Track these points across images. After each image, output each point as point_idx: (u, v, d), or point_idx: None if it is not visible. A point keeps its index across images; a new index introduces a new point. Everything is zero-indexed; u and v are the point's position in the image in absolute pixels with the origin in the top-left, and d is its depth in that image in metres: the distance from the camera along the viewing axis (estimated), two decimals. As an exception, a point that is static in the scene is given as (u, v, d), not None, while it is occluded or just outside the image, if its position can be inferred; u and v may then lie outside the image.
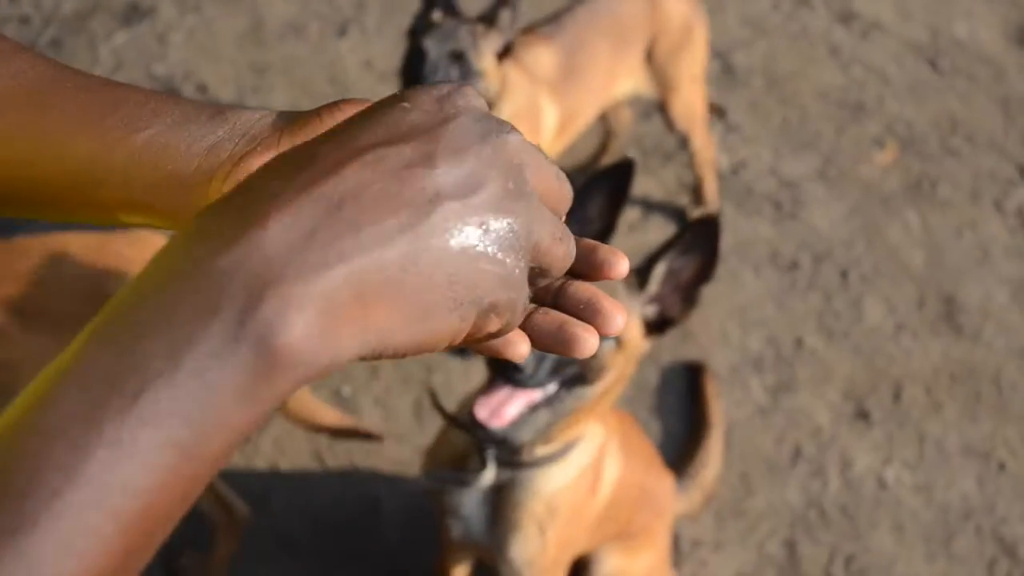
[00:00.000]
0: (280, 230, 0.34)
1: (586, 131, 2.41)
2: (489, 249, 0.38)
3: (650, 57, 2.05)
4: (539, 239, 0.40)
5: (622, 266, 0.45)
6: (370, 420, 1.99)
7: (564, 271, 0.42)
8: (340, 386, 2.03)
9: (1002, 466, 2.00)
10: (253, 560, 1.82)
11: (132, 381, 0.32)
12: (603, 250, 0.45)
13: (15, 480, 0.31)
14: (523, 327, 0.45)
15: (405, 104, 0.39)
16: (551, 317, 0.44)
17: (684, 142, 2.21)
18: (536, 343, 0.43)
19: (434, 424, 1.97)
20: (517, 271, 0.39)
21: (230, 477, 1.91)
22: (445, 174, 0.37)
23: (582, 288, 0.45)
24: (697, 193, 2.32)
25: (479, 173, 0.38)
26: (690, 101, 2.12)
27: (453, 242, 0.37)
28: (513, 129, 0.40)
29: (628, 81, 2.06)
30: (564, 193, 0.42)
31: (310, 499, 1.89)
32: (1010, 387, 2.11)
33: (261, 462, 1.93)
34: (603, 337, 0.45)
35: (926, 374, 2.12)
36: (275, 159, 0.38)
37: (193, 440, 0.33)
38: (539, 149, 0.41)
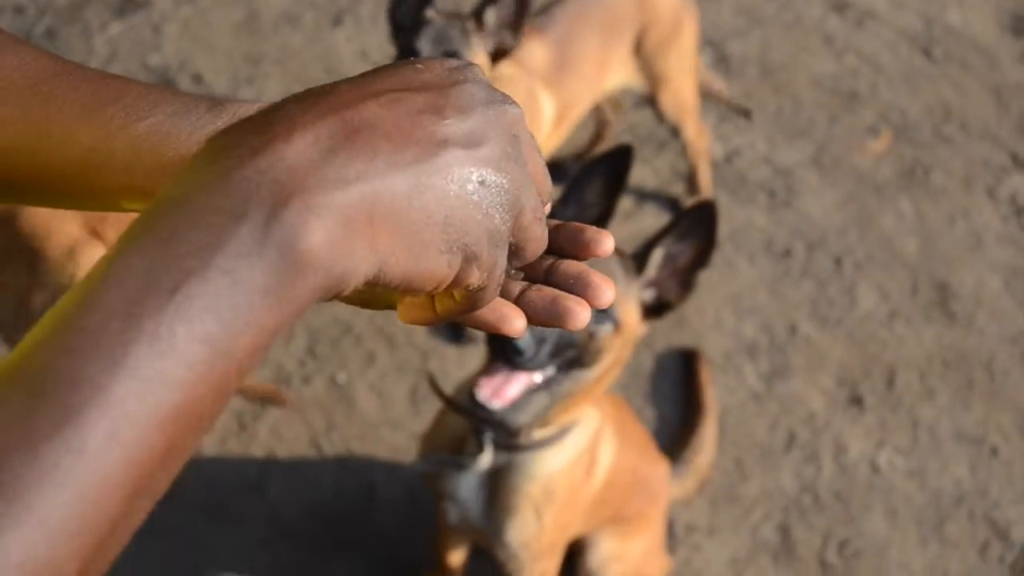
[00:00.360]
0: (303, 145, 0.37)
1: (580, 120, 2.42)
2: (483, 202, 0.40)
3: (639, 50, 2.05)
4: (523, 209, 0.42)
5: (608, 244, 0.47)
6: (366, 407, 2.00)
7: (536, 255, 0.44)
8: (336, 373, 2.03)
9: (994, 451, 2.02)
10: (251, 546, 1.83)
11: (167, 279, 0.34)
12: (589, 230, 0.48)
13: (60, 375, 0.32)
14: (517, 303, 0.47)
15: (419, 66, 0.42)
16: (544, 292, 0.46)
17: (677, 132, 2.22)
18: (531, 318, 0.45)
19: (430, 411, 1.98)
20: (503, 229, 0.41)
21: (227, 464, 1.92)
22: (453, 125, 0.40)
23: (572, 265, 0.47)
24: (691, 182, 2.33)
25: (483, 131, 0.40)
26: (680, 94, 2.12)
27: (454, 187, 0.39)
28: (515, 103, 0.42)
29: (619, 73, 2.07)
30: (548, 181, 0.45)
31: (307, 486, 1.90)
32: (1002, 373, 2.13)
33: (258, 450, 1.93)
34: (595, 311, 0.47)
35: (919, 360, 2.14)
36: (291, 96, 0.40)
37: (225, 336, 0.35)
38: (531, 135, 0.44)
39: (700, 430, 1.93)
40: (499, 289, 0.43)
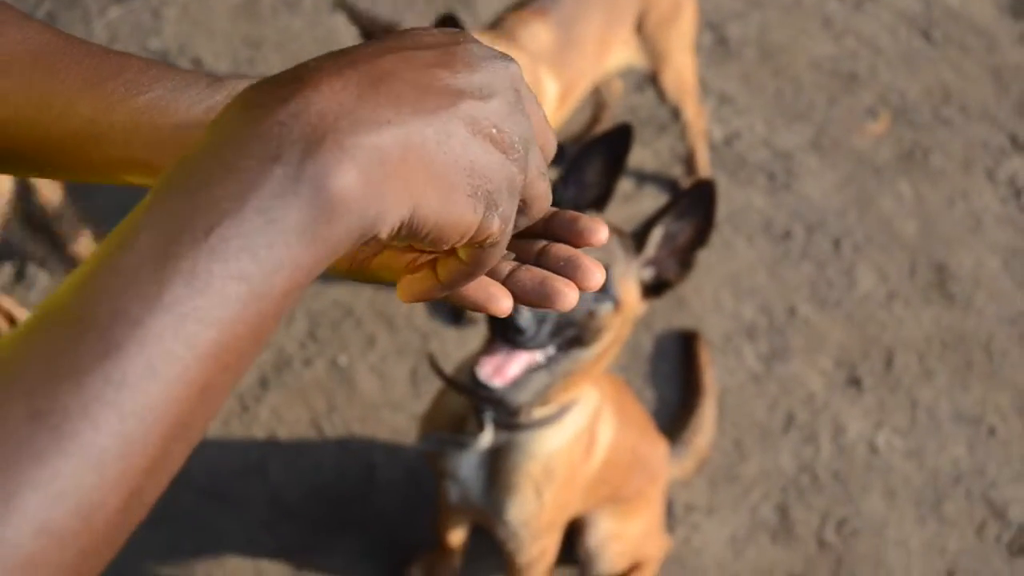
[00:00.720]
0: (331, 92, 0.38)
1: (581, 101, 2.42)
2: (499, 151, 0.41)
3: (640, 28, 2.05)
4: (531, 163, 0.43)
5: (602, 233, 0.48)
6: (367, 389, 2.00)
7: (542, 212, 0.45)
8: (337, 355, 2.04)
9: (992, 431, 2.03)
10: (253, 528, 1.84)
11: (203, 220, 0.35)
12: (583, 219, 0.48)
13: (99, 313, 0.33)
14: (506, 283, 0.47)
15: (420, 31, 0.43)
16: (533, 272, 0.47)
17: (677, 113, 2.22)
18: (520, 298, 0.46)
19: (430, 392, 1.99)
20: (518, 179, 0.42)
21: (229, 446, 1.93)
22: (464, 77, 0.41)
23: (563, 248, 0.48)
24: (690, 164, 2.33)
25: (491, 83, 0.41)
26: (681, 72, 2.13)
27: (475, 135, 0.40)
28: (514, 60, 0.44)
29: (621, 53, 2.07)
30: (551, 136, 0.46)
31: (308, 467, 1.91)
32: (1001, 354, 2.13)
33: (259, 431, 1.94)
34: (583, 291, 0.48)
35: (918, 341, 2.14)
36: (308, 60, 0.41)
37: (260, 275, 0.35)
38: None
39: (699, 411, 1.94)
40: (505, 247, 0.44)
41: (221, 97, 0.51)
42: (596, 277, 0.46)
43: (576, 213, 0.49)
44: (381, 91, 0.38)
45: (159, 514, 1.84)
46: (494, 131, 0.41)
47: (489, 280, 0.47)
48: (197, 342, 0.34)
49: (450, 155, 0.39)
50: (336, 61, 0.39)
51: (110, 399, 0.32)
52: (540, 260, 0.48)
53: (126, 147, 0.51)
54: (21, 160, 0.54)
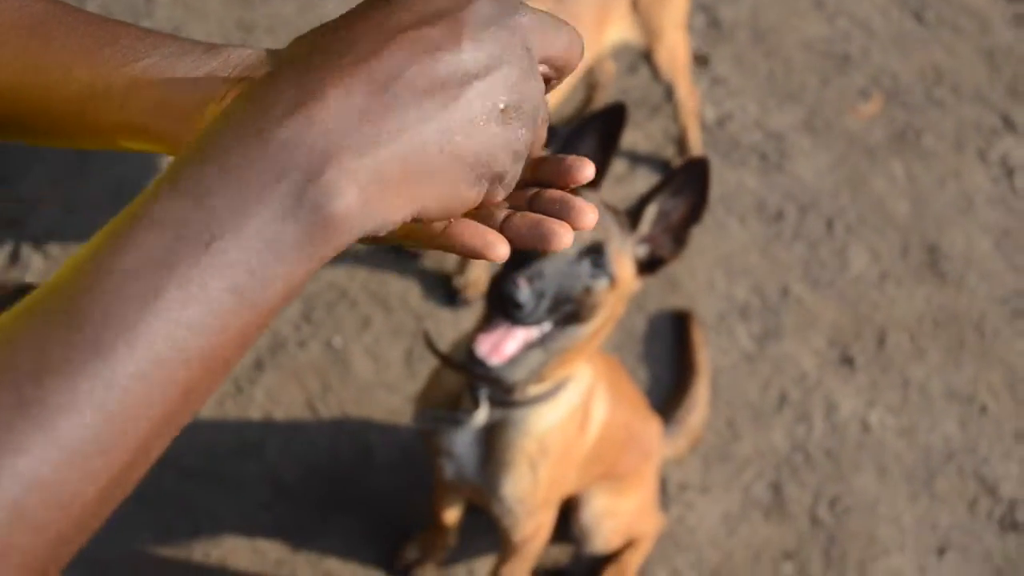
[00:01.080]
0: (336, 106, 0.38)
1: (574, 83, 2.42)
2: (506, 126, 0.42)
3: (635, 4, 2.06)
4: (539, 120, 0.44)
5: (587, 170, 0.49)
6: (362, 370, 2.01)
7: (540, 146, 0.47)
8: (331, 337, 2.05)
9: (984, 409, 2.04)
10: (250, 508, 1.84)
11: (204, 231, 0.36)
12: (569, 158, 0.49)
13: (93, 312, 0.34)
14: (501, 230, 0.48)
15: None
16: (528, 217, 0.47)
17: (669, 94, 2.22)
18: (515, 242, 0.47)
19: (425, 373, 1.99)
20: (526, 145, 0.43)
21: (225, 427, 1.93)
22: (471, 57, 0.41)
23: (554, 192, 0.49)
24: (682, 145, 2.34)
25: (498, 55, 0.42)
26: (674, 49, 2.13)
27: (480, 120, 0.41)
28: (524, 8, 0.44)
29: (617, 29, 2.07)
30: (572, 54, 0.46)
31: (304, 447, 1.92)
32: (992, 332, 2.15)
33: (255, 412, 1.95)
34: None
35: (910, 320, 2.15)
36: (309, 38, 0.42)
37: (254, 288, 0.36)
38: (547, 16, 0.45)
39: (693, 390, 1.95)
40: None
41: (217, 63, 0.51)
42: (589, 216, 0.47)
43: (562, 155, 0.50)
44: (386, 101, 0.39)
45: (155, 495, 1.84)
46: (502, 105, 0.42)
47: (485, 228, 0.47)
48: (186, 347, 0.35)
49: (454, 153, 0.40)
50: (342, 59, 0.39)
51: (97, 398, 0.33)
52: (533, 205, 0.49)
53: (124, 112, 0.51)
54: (20, 127, 0.54)
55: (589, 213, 0.47)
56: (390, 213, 0.39)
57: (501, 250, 0.47)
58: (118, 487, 0.35)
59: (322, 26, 0.42)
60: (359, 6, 0.43)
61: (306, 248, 0.37)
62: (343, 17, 0.42)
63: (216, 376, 0.37)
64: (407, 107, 0.39)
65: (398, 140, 0.39)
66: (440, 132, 0.40)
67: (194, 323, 0.35)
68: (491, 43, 0.42)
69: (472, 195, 0.42)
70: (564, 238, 0.46)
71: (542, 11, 0.45)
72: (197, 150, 0.38)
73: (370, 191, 0.38)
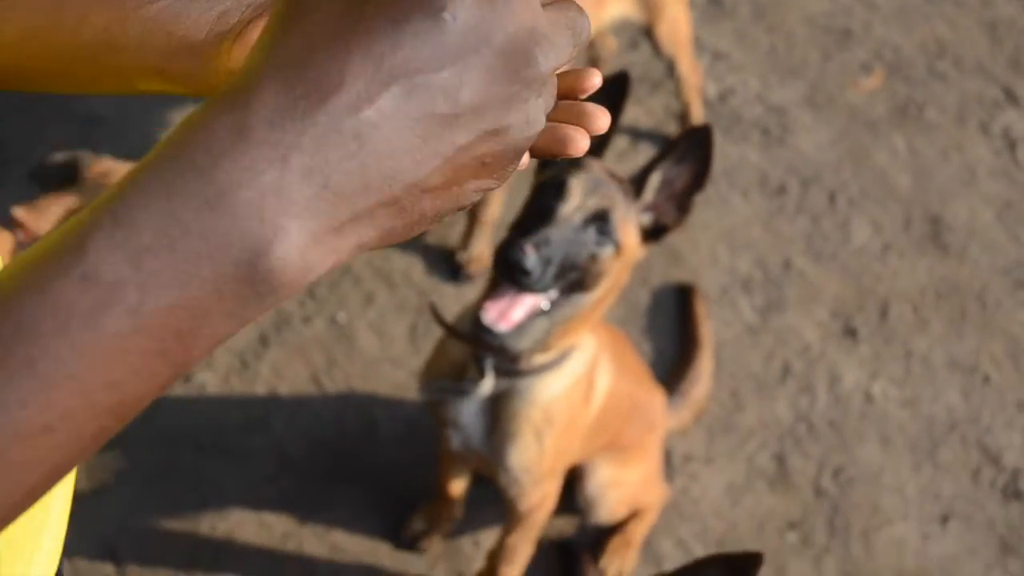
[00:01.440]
0: (288, 176, 0.35)
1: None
2: (491, 171, 0.39)
3: (636, -21, 2.05)
4: (537, 123, 0.40)
5: (596, 78, 0.48)
6: (366, 345, 2.02)
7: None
8: (336, 312, 2.05)
9: (987, 379, 2.05)
10: (256, 479, 1.85)
11: (137, 297, 0.34)
12: (588, 105, 0.48)
13: (10, 361, 0.33)
14: None
15: (445, 15, 0.36)
16: (545, 126, 0.47)
17: (671, 70, 2.22)
18: (534, 152, 0.46)
19: (429, 348, 2.00)
20: (526, 142, 0.40)
21: (231, 402, 1.94)
22: (452, 94, 0.36)
23: (565, 102, 0.48)
24: (684, 120, 2.34)
25: (497, 116, 0.38)
26: (675, 24, 2.13)
27: (452, 169, 0.38)
28: (510, 11, 0.37)
29: (617, 5, 2.07)
30: (579, 39, 0.41)
31: (309, 422, 1.93)
32: (995, 303, 2.15)
33: (261, 387, 1.96)
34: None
35: (912, 292, 2.16)
36: (274, 56, 0.36)
37: (180, 352, 0.35)
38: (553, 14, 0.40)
39: (696, 363, 1.96)
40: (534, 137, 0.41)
41: (231, 2, 0.52)
42: (602, 119, 0.46)
43: (579, 102, 0.48)
44: (347, 168, 0.35)
45: (162, 470, 1.85)
46: (487, 159, 0.38)
47: None
48: (101, 402, 0.34)
49: (431, 206, 0.38)
50: (308, 111, 0.34)
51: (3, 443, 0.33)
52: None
53: (139, 55, 0.52)
54: (38, 75, 0.55)
55: (603, 117, 0.46)
56: (332, 262, 0.36)
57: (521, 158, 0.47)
58: (3, 522, 0.35)
59: (301, 28, 0.36)
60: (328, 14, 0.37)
61: (240, 314, 0.36)
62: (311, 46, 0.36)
63: (127, 419, 0.36)
64: (369, 181, 0.36)
65: (359, 200, 0.35)
66: (412, 184, 0.36)
67: (114, 382, 0.34)
68: (496, 107, 0.37)
69: (465, 202, 0.40)
70: (580, 143, 0.45)
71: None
72: (142, 185, 0.35)
73: (317, 252, 0.35)
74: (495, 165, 0.39)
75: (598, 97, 1.40)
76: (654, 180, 1.35)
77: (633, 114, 2.40)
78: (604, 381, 1.53)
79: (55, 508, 0.57)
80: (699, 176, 1.34)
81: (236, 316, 0.36)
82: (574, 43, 0.41)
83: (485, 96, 0.37)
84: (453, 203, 0.39)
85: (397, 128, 0.35)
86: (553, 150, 0.46)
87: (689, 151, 1.34)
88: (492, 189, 0.40)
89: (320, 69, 0.35)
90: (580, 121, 0.46)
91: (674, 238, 2.18)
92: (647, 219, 1.36)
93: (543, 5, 0.40)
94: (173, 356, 0.35)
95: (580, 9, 0.42)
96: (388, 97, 0.35)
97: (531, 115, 0.39)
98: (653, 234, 1.37)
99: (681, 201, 1.36)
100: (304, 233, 0.35)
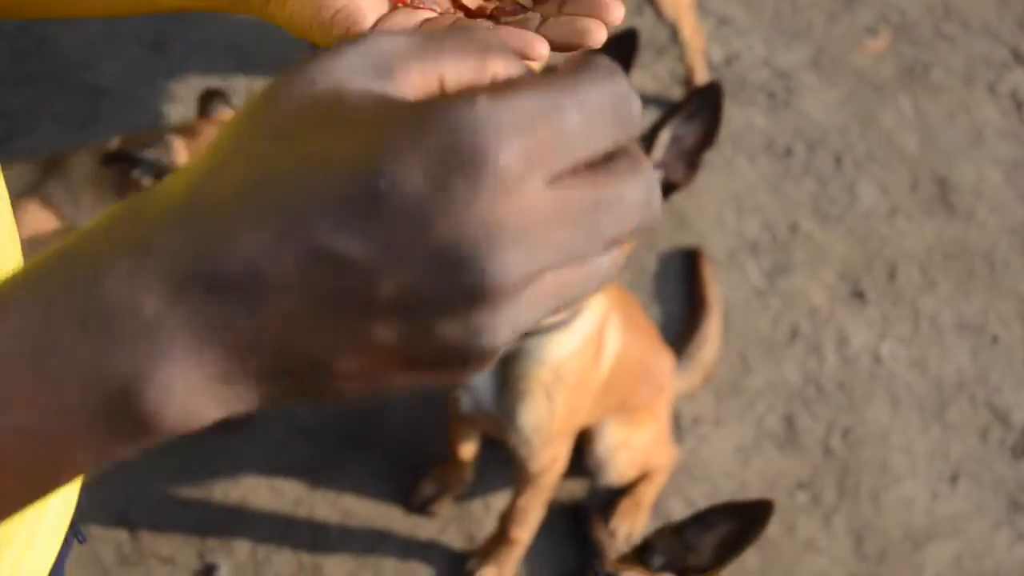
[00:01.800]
0: (184, 358, 0.32)
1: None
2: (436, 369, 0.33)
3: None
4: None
5: (618, 11, 0.48)
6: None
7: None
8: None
9: (995, 339, 2.05)
10: (268, 446, 1.86)
11: (10, 423, 0.32)
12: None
13: None
14: (539, 32, 0.48)
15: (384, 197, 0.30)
16: (560, 20, 0.48)
17: (675, 34, 2.21)
18: (553, 45, 0.46)
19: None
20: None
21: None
22: (388, 323, 0.31)
23: None
24: (689, 85, 2.33)
25: (428, 323, 0.31)
26: (678, -12, 2.12)
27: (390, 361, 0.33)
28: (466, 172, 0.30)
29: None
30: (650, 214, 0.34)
31: (319, 388, 1.93)
32: (1003, 263, 2.15)
33: (269, 354, 1.96)
34: (608, 26, 0.47)
35: (920, 253, 2.16)
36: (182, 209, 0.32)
37: (47, 479, 0.34)
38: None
39: (704, 326, 1.96)
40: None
41: None
42: (616, 11, 0.47)
43: None
44: (238, 326, 0.31)
45: (173, 438, 1.86)
46: (421, 360, 0.31)
47: (523, 30, 0.47)
48: None
49: (342, 393, 0.33)
50: (223, 282, 0.31)
51: None
52: (561, 11, 0.48)
53: None
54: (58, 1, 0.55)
55: (618, 8, 0.46)
56: (221, 413, 0.34)
57: (541, 49, 0.47)
58: None
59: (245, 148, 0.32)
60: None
61: (110, 453, 0.34)
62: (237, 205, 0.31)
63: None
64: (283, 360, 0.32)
65: (251, 360, 0.32)
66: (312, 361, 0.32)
67: None
68: (404, 258, 0.30)
69: (354, 396, 0.35)
70: (597, 34, 0.45)
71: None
72: (28, 283, 0.32)
73: (201, 400, 0.33)
74: (433, 370, 0.32)
75: (608, 52, 1.38)
76: (663, 138, 1.34)
77: (638, 79, 2.39)
78: (614, 341, 1.53)
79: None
80: (708, 134, 1.34)
81: (105, 452, 0.33)
82: (597, 243, 0.32)
83: (413, 295, 0.30)
84: (378, 390, 0.33)
85: (302, 301, 0.30)
86: (574, 43, 0.46)
87: (699, 109, 1.33)
88: (443, 385, 0.35)
89: (229, 224, 0.30)
90: (597, 14, 0.46)
91: (681, 202, 2.18)
92: (656, 176, 1.35)
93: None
94: (40, 481, 0.34)
95: (639, 186, 0.32)
96: (295, 262, 0.30)
97: (477, 331, 0.30)
98: (663, 192, 1.36)
99: (690, 159, 1.35)
100: (187, 379, 0.32)
